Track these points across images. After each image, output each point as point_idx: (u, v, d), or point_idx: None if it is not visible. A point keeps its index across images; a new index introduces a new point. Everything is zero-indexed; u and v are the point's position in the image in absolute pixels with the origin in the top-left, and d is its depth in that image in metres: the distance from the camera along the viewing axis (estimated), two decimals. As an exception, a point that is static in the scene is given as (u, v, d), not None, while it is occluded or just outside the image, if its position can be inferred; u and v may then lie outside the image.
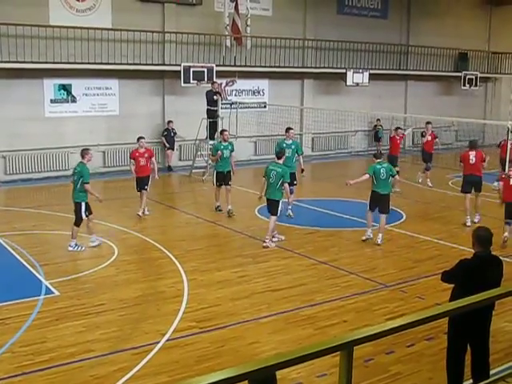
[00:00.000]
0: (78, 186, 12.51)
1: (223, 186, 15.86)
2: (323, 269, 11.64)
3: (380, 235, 13.28)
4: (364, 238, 13.45)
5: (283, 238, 13.44)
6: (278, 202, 12.99)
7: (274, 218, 13.03)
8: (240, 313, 9.40)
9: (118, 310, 9.46)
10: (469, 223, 14.81)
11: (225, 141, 16.16)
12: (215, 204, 16.17)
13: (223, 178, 15.91)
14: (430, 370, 7.53)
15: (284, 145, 15.50)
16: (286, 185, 13.09)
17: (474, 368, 6.74)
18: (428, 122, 20.08)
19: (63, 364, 7.60)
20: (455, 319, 6.39)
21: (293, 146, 15.65)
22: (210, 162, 21.41)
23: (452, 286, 6.82)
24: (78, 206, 12.60)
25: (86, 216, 12.68)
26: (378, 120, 28.19)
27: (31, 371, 7.40)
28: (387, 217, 13.54)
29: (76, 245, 12.58)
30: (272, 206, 13.04)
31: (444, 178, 20.64)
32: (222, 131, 16.86)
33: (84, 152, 12.97)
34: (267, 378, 3.66)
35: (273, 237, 13.20)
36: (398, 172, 17.27)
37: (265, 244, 12.88)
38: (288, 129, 16.09)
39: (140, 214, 15.32)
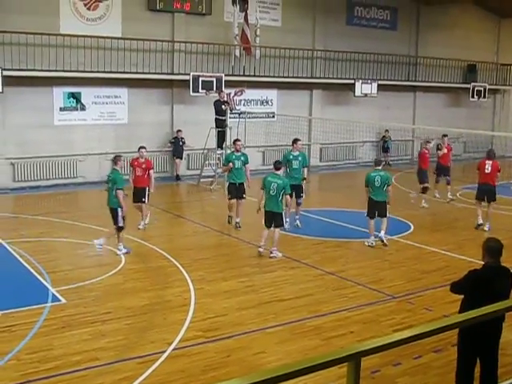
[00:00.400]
0: (113, 192, 12.61)
1: (235, 200, 15.30)
2: (330, 279, 11.60)
3: (382, 232, 13.85)
4: (367, 243, 13.81)
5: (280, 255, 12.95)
6: (281, 214, 12.96)
7: (278, 229, 12.99)
8: (246, 323, 9.36)
9: (124, 318, 9.44)
10: (480, 221, 15.51)
11: (237, 151, 15.69)
12: (228, 214, 15.70)
13: (235, 191, 15.34)
14: (438, 382, 7.48)
15: (291, 156, 15.38)
16: (288, 196, 13.10)
17: (482, 381, 6.69)
18: (444, 135, 19.75)
19: (69, 372, 7.58)
20: (465, 331, 6.35)
21: (300, 158, 15.42)
22: (218, 171, 21.48)
23: (461, 297, 6.76)
24: (114, 212, 12.70)
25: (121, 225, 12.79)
26: (387, 131, 28.18)
27: (36, 379, 7.38)
28: (388, 219, 14.01)
29: (100, 245, 12.81)
30: (276, 219, 12.89)
31: (452, 190, 20.56)
32: (235, 141, 16.26)
33: (116, 158, 13.19)
34: None
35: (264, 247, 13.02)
36: (425, 188, 17.47)
37: (272, 254, 12.77)
38: (295, 140, 15.79)
39: (141, 226, 14.92)
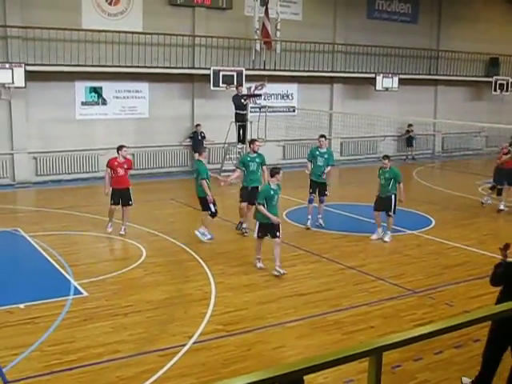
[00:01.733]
0: (198, 182, 13.35)
1: (245, 204, 14.14)
2: (351, 274, 11.59)
3: (388, 233, 13.96)
4: (373, 237, 14.02)
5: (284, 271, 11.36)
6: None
7: (279, 240, 11.56)
8: (266, 317, 9.39)
9: (145, 311, 9.51)
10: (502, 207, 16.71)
11: (254, 152, 14.22)
12: (240, 220, 14.56)
13: (247, 195, 14.04)
14: (459, 378, 7.44)
15: (317, 152, 15.12)
16: (243, 204, 13.95)
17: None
18: None
19: (91, 364, 7.67)
20: (500, 319, 6.39)
21: (326, 156, 15.07)
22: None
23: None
24: (202, 200, 13.45)
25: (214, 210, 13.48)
26: (411, 125, 27.96)
27: (59, 370, 7.48)
28: (394, 217, 14.02)
29: (203, 234, 13.50)
30: (275, 228, 11.49)
31: (474, 185, 20.42)
32: (253, 141, 14.64)
33: (201, 150, 14.10)
34: (295, 381, 3.65)
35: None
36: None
37: (275, 272, 11.27)
38: (321, 136, 15.35)
39: (122, 232, 13.88)
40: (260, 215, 11.57)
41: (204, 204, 13.43)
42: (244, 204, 14.19)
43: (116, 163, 13.93)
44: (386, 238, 13.83)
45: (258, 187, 13.70)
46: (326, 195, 15.21)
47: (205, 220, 13.62)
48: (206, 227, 13.58)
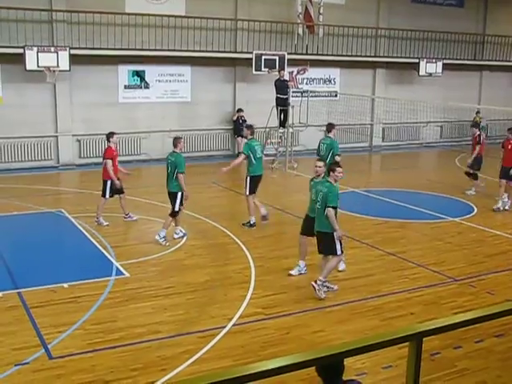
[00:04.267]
0: (174, 175, 12.02)
1: (252, 196, 13.35)
2: (391, 260, 11.53)
3: None
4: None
5: (336, 287, 9.82)
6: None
7: (337, 258, 9.73)
8: (305, 301, 9.42)
9: (185, 293, 9.63)
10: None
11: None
12: (249, 217, 13.45)
13: (255, 185, 13.34)
14: (499, 367, 7.38)
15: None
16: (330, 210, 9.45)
17: None
18: None
19: (132, 343, 7.81)
20: None
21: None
22: (279, 149, 21.53)
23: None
24: (173, 195, 12.16)
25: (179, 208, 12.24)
26: (478, 112, 26.65)
27: (102, 348, 7.65)
28: None
29: (164, 237, 12.09)
30: (327, 241, 9.57)
31: None
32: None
33: (176, 141, 12.29)
34: (336, 365, 3.68)
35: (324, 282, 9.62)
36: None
37: (317, 291, 9.50)
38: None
39: (134, 218, 13.88)
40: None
41: (173, 200, 12.18)
42: (251, 197, 13.30)
43: (115, 153, 13.53)
44: None
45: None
46: None
47: (177, 218, 12.52)
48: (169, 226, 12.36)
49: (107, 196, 13.49)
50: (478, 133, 17.29)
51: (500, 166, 15.82)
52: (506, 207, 15.51)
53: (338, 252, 9.50)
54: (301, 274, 10.53)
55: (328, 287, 9.62)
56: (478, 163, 17.03)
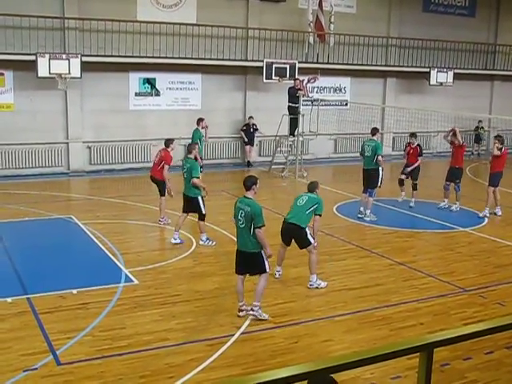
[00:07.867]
0: (191, 181, 12.37)
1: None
2: (400, 270, 11.48)
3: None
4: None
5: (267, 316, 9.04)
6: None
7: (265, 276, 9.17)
8: (314, 310, 9.39)
9: (194, 301, 9.61)
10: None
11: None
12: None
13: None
14: (510, 379, 7.33)
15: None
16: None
17: None
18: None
19: (140, 351, 7.80)
20: None
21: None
22: (289, 158, 21.53)
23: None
24: (192, 201, 12.45)
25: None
26: (480, 121, 27.43)
27: (110, 355, 7.63)
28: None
29: (207, 239, 12.65)
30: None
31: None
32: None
33: (191, 147, 12.86)
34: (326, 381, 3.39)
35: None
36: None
37: (258, 316, 8.97)
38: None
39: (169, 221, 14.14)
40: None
41: (196, 205, 12.48)
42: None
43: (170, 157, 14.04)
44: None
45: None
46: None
47: (180, 222, 12.75)
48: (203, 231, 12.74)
49: (164, 195, 13.90)
50: (417, 143, 17.28)
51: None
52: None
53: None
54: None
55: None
56: (416, 174, 16.87)
